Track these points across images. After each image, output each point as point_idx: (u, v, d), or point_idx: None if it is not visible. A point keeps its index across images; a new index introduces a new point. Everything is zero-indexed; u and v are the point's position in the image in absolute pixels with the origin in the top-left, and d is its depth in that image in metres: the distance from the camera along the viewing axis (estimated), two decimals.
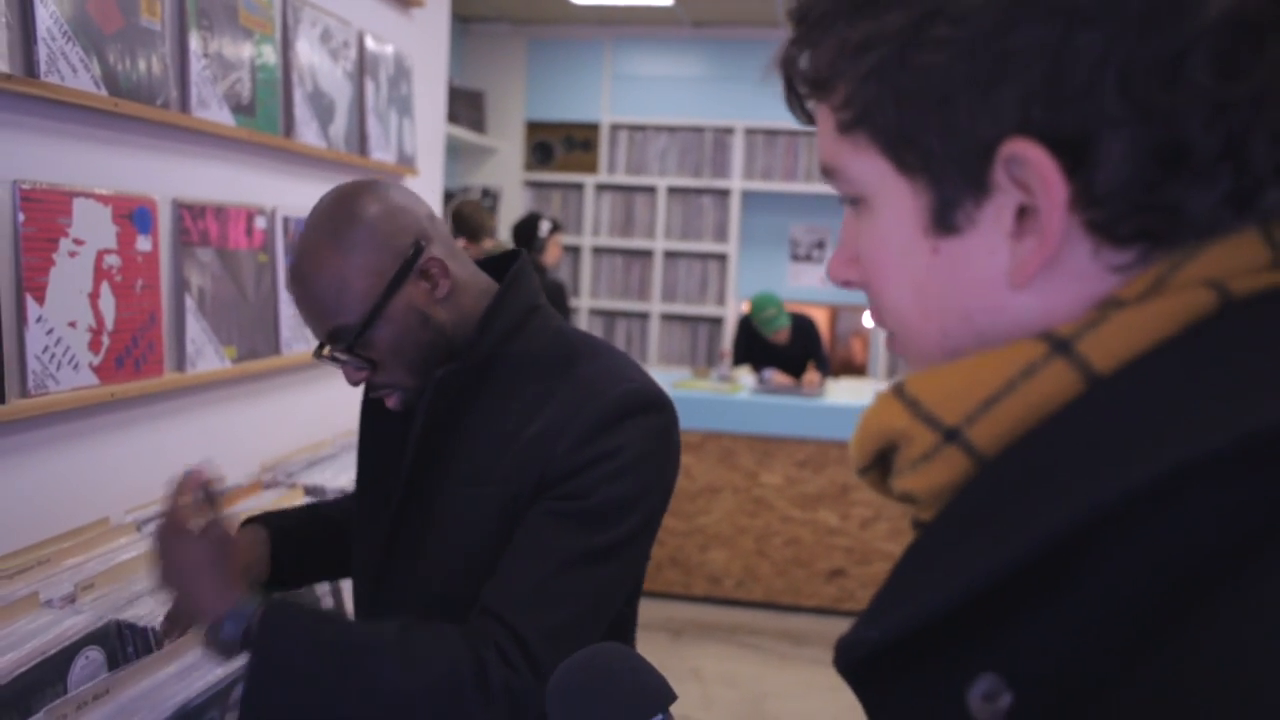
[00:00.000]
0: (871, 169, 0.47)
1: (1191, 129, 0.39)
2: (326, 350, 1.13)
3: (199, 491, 1.10)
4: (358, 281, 1.07)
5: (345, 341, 1.09)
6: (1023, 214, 0.43)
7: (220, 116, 1.75)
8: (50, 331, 1.40)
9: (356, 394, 1.29)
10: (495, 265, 1.24)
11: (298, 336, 2.03)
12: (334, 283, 1.08)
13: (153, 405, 1.66)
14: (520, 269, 1.17)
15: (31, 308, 1.37)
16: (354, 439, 2.21)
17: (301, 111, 2.02)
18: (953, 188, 0.44)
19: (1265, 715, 0.31)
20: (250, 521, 1.32)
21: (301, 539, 1.33)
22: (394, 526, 1.14)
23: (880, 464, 0.49)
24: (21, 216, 1.35)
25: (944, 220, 0.45)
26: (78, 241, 1.45)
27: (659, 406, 1.10)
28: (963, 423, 0.44)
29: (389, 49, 2.43)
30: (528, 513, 1.07)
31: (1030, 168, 0.41)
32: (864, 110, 0.46)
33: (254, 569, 1.23)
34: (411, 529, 1.15)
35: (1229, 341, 0.39)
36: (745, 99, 5.74)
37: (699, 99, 5.81)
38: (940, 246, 0.46)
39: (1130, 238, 0.42)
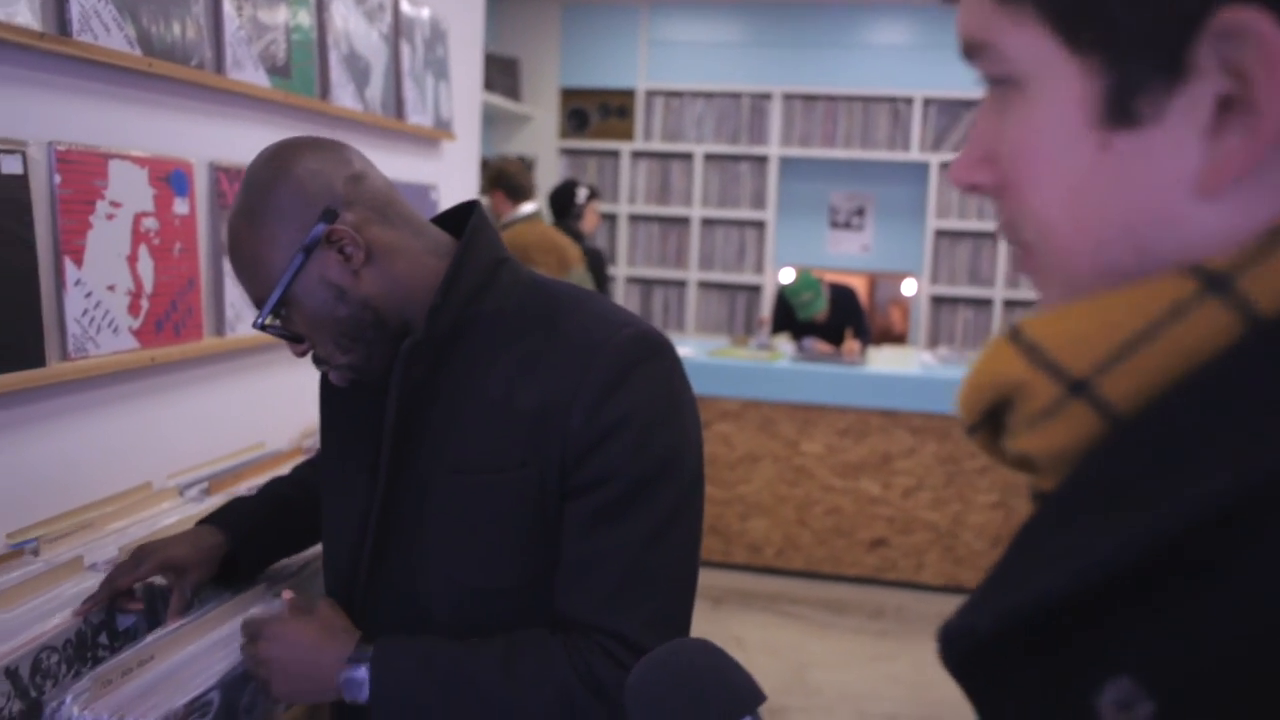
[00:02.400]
0: (1032, 45, 0.40)
1: None
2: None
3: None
4: (267, 253, 1.01)
5: (265, 315, 1.03)
6: (1225, 106, 0.36)
7: (256, 78, 1.72)
8: (89, 295, 1.39)
9: None
10: (449, 221, 1.15)
11: None
12: (247, 253, 1.03)
13: (193, 369, 1.65)
14: (478, 220, 1.08)
15: (70, 270, 1.35)
16: None
17: (337, 74, 1.99)
18: (1139, 69, 0.37)
19: None
20: (208, 521, 1.27)
21: (263, 535, 1.29)
22: (380, 522, 1.06)
23: (992, 422, 0.43)
24: (58, 179, 1.33)
25: (1122, 109, 0.38)
26: (114, 204, 1.43)
27: (661, 348, 1.02)
28: (1092, 373, 0.37)
29: (424, 12, 2.39)
30: (565, 511, 1.00)
31: (1255, 45, 0.34)
32: None
33: (196, 572, 1.19)
34: (401, 523, 1.06)
35: None
36: (783, 63, 5.64)
37: (736, 64, 5.72)
38: (1112, 141, 0.38)
39: None
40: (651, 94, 5.83)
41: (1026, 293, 5.44)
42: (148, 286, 1.50)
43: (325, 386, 1.18)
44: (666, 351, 1.03)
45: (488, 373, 1.03)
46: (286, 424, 1.92)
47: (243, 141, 1.74)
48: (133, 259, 1.47)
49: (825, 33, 5.63)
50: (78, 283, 1.37)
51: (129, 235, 1.46)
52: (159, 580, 1.19)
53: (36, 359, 1.30)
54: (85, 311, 1.38)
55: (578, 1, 5.90)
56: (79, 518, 1.36)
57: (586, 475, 0.99)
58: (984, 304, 5.59)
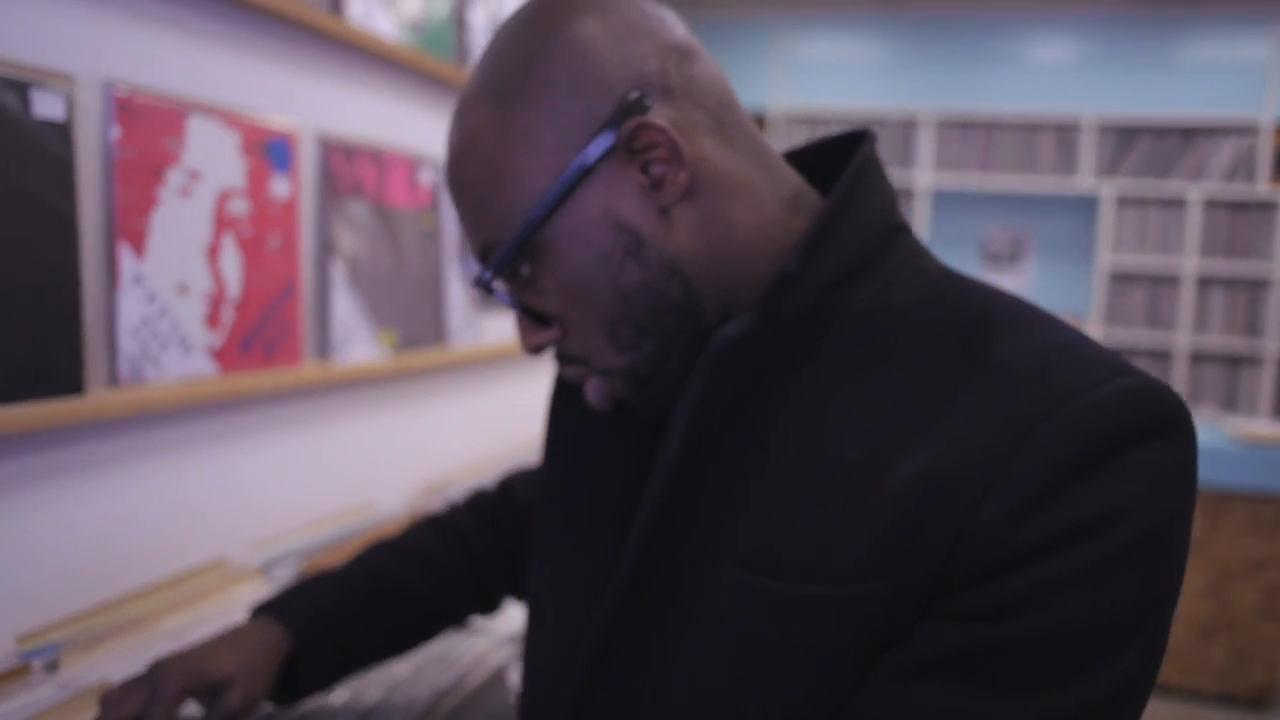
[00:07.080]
0: None
1: None
2: (491, 282, 0.64)
3: None
4: (516, 162, 0.59)
5: (494, 271, 0.61)
6: None
7: (383, 28, 1.33)
8: (152, 298, 1.00)
9: (539, 398, 0.83)
10: (808, 166, 0.70)
11: (467, 325, 1.61)
12: (479, 164, 0.61)
13: (288, 406, 1.25)
14: (867, 158, 0.63)
15: (126, 261, 0.97)
16: (530, 452, 1.78)
17: (481, 39, 1.60)
18: None
19: None
20: (266, 608, 0.84)
21: (342, 629, 0.86)
22: (605, 640, 0.62)
23: None
24: (115, 132, 0.95)
25: None
26: (193, 175, 1.05)
27: (1178, 417, 0.54)
28: None
29: None
30: (915, 631, 0.53)
31: None
32: None
33: (240, 689, 0.77)
34: (636, 648, 0.61)
35: None
36: (933, 83, 5.16)
37: (881, 83, 5.26)
38: None
39: None
40: (788, 119, 5.40)
41: (1215, 340, 4.79)
42: (233, 291, 1.11)
43: (560, 406, 0.76)
44: (1184, 425, 0.54)
45: (845, 410, 0.58)
46: (402, 481, 1.51)
47: (362, 111, 1.36)
48: (214, 251, 1.08)
49: (980, 48, 5.13)
50: (137, 280, 0.98)
51: (210, 219, 1.07)
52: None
53: (72, 384, 0.91)
54: (146, 321, 0.99)
55: (706, 16, 5.53)
56: (121, 612, 0.96)
57: (985, 600, 0.51)
58: (1162, 356, 4.94)
